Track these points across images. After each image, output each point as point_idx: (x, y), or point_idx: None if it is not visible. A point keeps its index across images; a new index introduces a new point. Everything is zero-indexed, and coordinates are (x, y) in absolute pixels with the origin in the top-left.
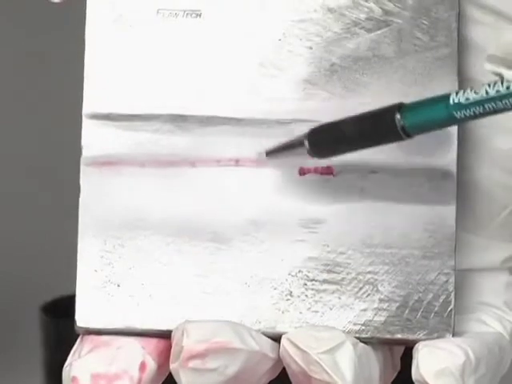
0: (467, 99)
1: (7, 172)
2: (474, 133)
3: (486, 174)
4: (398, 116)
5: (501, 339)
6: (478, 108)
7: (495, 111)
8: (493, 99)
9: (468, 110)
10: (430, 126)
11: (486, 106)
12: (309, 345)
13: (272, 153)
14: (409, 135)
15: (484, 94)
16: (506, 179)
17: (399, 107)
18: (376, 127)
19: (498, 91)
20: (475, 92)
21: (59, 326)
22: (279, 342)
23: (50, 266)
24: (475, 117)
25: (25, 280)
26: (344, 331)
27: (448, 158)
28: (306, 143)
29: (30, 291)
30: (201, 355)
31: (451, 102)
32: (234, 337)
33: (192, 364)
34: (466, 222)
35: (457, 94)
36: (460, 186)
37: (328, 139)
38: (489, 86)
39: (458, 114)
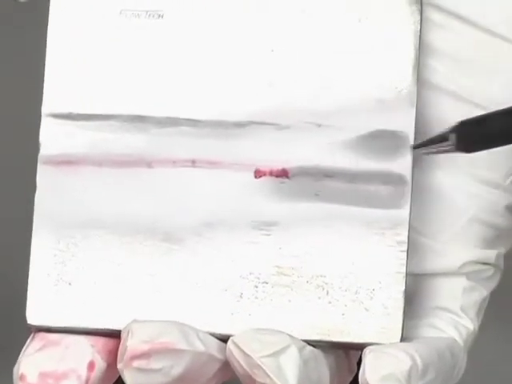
0: None
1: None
2: None
3: (448, 179)
4: None
5: (453, 345)
6: None
7: None
8: None
9: None
10: None
11: None
12: (252, 348)
13: (419, 147)
14: None
15: None
16: (467, 185)
17: None
18: None
19: None
20: None
21: None
22: None
23: None
24: None
25: (25, 278)
26: (291, 335)
27: (403, 163)
28: (453, 137)
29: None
30: (145, 355)
31: None
32: (179, 337)
33: (136, 364)
34: (423, 226)
35: None
36: (420, 191)
37: (477, 134)
38: None
39: None
